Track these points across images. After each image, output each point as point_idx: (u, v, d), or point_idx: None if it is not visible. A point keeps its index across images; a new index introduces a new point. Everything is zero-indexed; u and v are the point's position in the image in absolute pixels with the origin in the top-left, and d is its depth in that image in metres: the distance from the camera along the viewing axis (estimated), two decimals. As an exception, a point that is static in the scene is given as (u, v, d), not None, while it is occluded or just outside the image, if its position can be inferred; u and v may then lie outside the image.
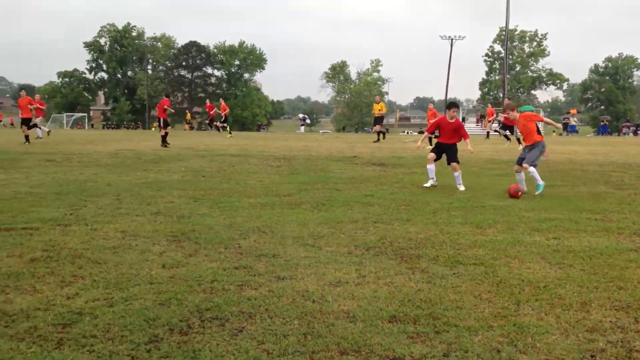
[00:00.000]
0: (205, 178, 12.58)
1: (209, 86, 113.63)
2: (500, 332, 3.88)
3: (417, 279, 5.10)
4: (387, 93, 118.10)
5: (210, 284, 4.89)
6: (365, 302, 4.46)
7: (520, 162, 10.66)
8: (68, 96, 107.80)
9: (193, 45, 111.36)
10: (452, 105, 11.88)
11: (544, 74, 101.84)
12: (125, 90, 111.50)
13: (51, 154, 18.42)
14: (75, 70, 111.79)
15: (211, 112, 40.15)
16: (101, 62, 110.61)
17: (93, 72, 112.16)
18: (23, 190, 10.20)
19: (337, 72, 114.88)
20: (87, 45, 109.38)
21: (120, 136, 36.05)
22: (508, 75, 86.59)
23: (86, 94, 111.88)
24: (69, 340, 3.67)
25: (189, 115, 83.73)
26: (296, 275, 5.20)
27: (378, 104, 30.10)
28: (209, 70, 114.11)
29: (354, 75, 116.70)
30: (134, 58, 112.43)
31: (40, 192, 10.00)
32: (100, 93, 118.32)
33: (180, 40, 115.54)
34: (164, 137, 23.52)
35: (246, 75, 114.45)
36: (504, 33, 79.80)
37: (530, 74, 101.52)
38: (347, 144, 28.41)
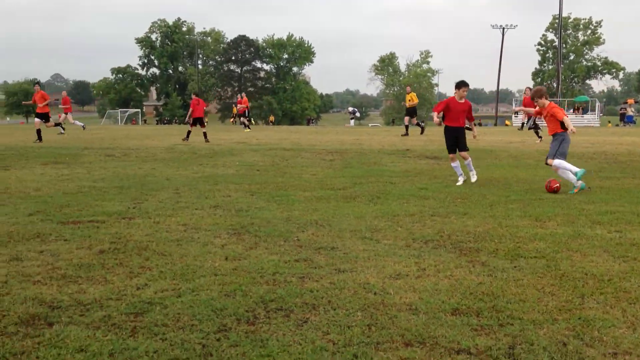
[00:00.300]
0: (259, 172, 12.75)
1: (259, 80, 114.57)
2: (566, 326, 3.86)
3: (478, 272, 5.10)
4: (437, 85, 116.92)
5: (272, 276, 4.99)
6: (426, 295, 4.49)
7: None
8: (122, 92, 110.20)
9: (242, 40, 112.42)
10: (462, 84, 10.89)
11: (599, 63, 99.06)
12: (177, 86, 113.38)
13: (110, 149, 18.93)
14: (128, 66, 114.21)
15: (244, 106, 39.54)
16: (153, 57, 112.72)
17: (145, 68, 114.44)
18: (86, 184, 10.54)
19: (386, 64, 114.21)
20: (139, 41, 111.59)
21: (174, 131, 36.71)
22: (562, 65, 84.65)
23: (139, 90, 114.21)
24: (142, 328, 3.81)
25: (235, 110, 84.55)
26: (356, 267, 5.26)
27: (409, 94, 28.74)
28: (258, 64, 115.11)
29: (403, 67, 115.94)
30: (185, 53, 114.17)
31: (102, 186, 10.32)
32: (153, 88, 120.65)
33: (230, 35, 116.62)
34: (189, 133, 23.74)
35: (295, 69, 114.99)
36: (557, 21, 78.06)
37: (584, 63, 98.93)
38: (398, 137, 28.30)
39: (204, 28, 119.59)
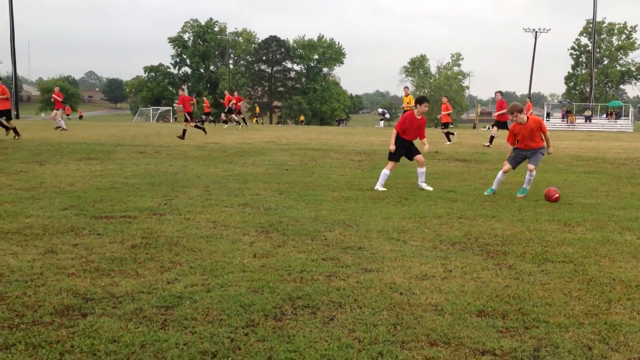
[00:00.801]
0: (288, 171, 12.85)
1: (289, 80, 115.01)
2: (592, 330, 3.86)
3: (505, 275, 5.11)
4: (467, 87, 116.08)
5: (299, 273, 5.06)
6: (452, 296, 4.52)
7: (514, 162, 9.92)
8: (154, 90, 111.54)
9: (273, 40, 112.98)
10: (425, 99, 10.50)
11: (633, 68, 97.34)
12: (208, 85, 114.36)
13: (142, 146, 19.21)
14: (161, 64, 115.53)
15: (237, 105, 39.14)
16: (185, 57, 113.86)
17: (177, 67, 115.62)
18: (119, 180, 10.74)
19: (417, 66, 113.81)
20: (172, 40, 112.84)
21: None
22: (595, 69, 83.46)
23: (171, 88, 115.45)
24: (172, 321, 3.91)
25: (257, 109, 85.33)
26: (382, 267, 5.30)
27: (407, 96, 26.88)
28: (289, 64, 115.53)
29: (433, 70, 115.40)
30: (216, 53, 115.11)
31: (134, 182, 10.51)
32: (184, 87, 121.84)
33: (261, 35, 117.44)
34: (185, 131, 24.00)
35: (325, 70, 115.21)
36: (591, 25, 76.97)
37: (618, 67, 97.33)
38: (428, 139, 28.22)
39: (236, 28, 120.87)
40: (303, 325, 3.89)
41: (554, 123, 65.00)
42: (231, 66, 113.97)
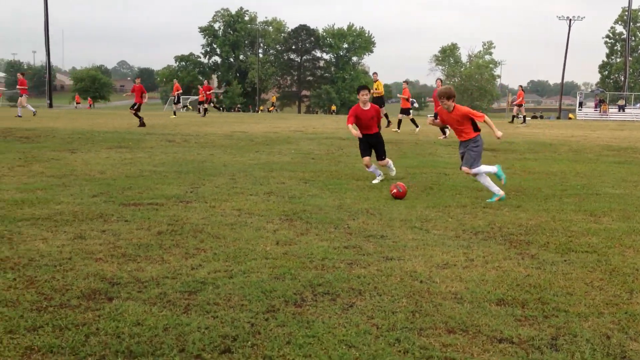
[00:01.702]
0: (314, 160, 12.90)
1: (318, 69, 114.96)
2: (611, 319, 3.85)
3: (527, 265, 5.10)
4: (499, 76, 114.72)
5: (321, 261, 5.12)
6: (472, 285, 4.53)
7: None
8: (184, 79, 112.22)
9: (303, 29, 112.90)
10: (360, 87, 9.81)
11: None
12: (237, 74, 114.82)
13: (171, 134, 19.42)
14: (191, 54, 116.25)
15: (207, 94, 39.32)
16: (215, 46, 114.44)
17: (207, 56, 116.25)
18: (147, 168, 10.90)
19: (447, 55, 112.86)
20: (202, 30, 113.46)
21: (233, 119, 37.30)
22: (630, 58, 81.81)
23: (200, 78, 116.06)
24: (195, 306, 4.00)
25: (274, 98, 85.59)
26: (404, 256, 5.33)
27: (375, 82, 25.81)
28: (318, 53, 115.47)
29: (464, 58, 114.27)
30: (246, 42, 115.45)
31: (162, 170, 10.66)
32: (214, 76, 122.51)
33: (291, 24, 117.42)
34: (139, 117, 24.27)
35: (354, 59, 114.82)
36: (626, 13, 75.39)
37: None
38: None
39: (266, 17, 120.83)
40: (322, 312, 3.95)
41: (587, 112, 63.90)
42: (260, 55, 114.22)
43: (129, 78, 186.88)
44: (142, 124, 23.42)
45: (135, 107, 24.50)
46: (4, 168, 10.45)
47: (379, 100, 25.95)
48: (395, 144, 17.30)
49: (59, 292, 4.20)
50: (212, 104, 38.50)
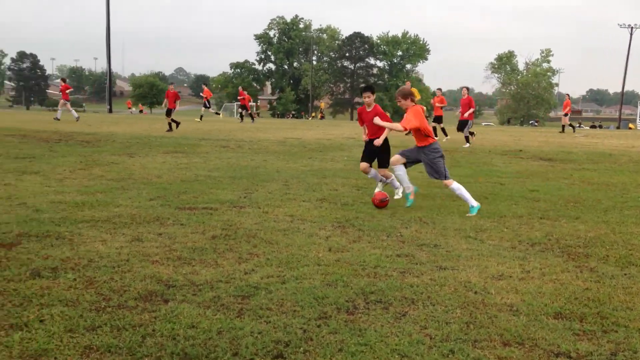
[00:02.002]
0: (367, 167, 12.86)
1: (371, 77, 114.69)
2: (675, 338, 3.71)
3: (585, 278, 4.97)
4: (556, 85, 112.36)
5: (373, 269, 5.10)
6: (529, 297, 4.44)
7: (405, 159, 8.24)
8: (238, 86, 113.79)
9: (357, 37, 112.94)
10: (363, 89, 9.06)
11: None
12: (291, 81, 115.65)
13: (225, 140, 19.70)
14: (246, 61, 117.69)
15: (241, 99, 39.08)
16: (269, 53, 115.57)
17: (262, 63, 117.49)
18: (202, 173, 11.08)
19: (504, 63, 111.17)
20: (258, 37, 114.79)
21: (286, 125, 37.56)
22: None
23: (255, 84, 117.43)
24: (248, 310, 4.04)
25: (322, 105, 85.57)
26: (458, 266, 5.27)
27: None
28: (372, 61, 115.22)
29: (521, 66, 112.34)
30: (300, 49, 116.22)
31: (217, 175, 10.82)
32: (268, 83, 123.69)
33: (345, 32, 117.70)
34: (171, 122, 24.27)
35: (408, 66, 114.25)
36: (693, 19, 72.81)
37: None
38: (512, 137, 27.55)
39: (321, 25, 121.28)
40: (375, 320, 3.93)
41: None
42: (314, 62, 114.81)
43: (185, 85, 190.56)
44: (170, 129, 23.76)
45: (170, 112, 24.79)
46: (66, 171, 10.78)
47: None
48: (449, 153, 17.12)
49: (117, 293, 4.30)
50: (246, 112, 38.68)
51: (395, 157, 8.31)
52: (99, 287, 4.42)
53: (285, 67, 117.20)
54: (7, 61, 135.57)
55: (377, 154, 9.04)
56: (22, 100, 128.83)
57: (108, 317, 3.83)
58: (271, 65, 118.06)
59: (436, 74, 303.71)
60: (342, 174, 11.62)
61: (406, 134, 10.11)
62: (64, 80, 31.48)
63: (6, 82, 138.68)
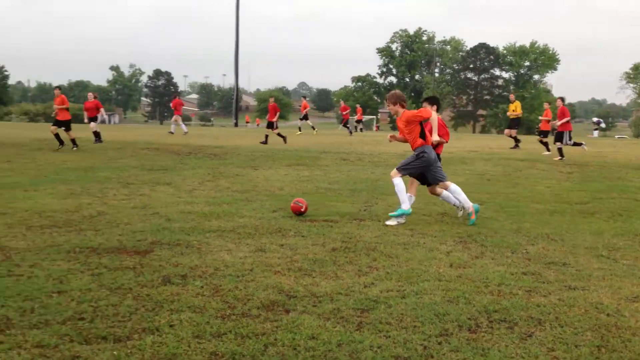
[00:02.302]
0: (489, 182, 12.53)
1: (495, 88, 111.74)
2: None
3: None
4: None
5: (497, 286, 4.94)
6: (668, 322, 4.13)
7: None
8: (359, 99, 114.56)
9: (482, 47, 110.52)
10: (427, 100, 8.70)
11: None
12: (412, 94, 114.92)
13: (345, 153, 19.89)
14: (368, 74, 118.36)
15: (344, 114, 38.83)
16: (391, 66, 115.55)
17: (383, 77, 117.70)
18: (323, 186, 11.24)
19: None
20: (380, 50, 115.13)
21: (407, 138, 37.29)
22: None
23: (375, 97, 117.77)
24: (368, 324, 4.03)
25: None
26: (588, 286, 4.99)
27: (513, 103, 24.68)
28: (497, 72, 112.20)
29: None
30: (422, 62, 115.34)
31: (337, 188, 10.93)
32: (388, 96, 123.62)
33: (469, 43, 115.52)
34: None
35: (536, 77, 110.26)
36: None
37: None
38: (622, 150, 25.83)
39: (444, 37, 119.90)
40: (498, 339, 3.80)
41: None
42: (436, 74, 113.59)
43: (307, 98, 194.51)
44: (265, 142, 24.13)
45: (271, 125, 25.21)
46: (195, 182, 11.31)
47: (515, 122, 24.78)
48: (579, 167, 16.32)
49: (241, 302, 4.44)
50: (345, 125, 38.98)
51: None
52: (225, 295, 4.58)
53: (407, 79, 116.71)
54: (144, 79, 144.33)
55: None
56: (156, 115, 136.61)
57: (233, 325, 3.95)
58: (392, 79, 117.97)
59: (566, 84, 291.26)
60: (464, 188, 11.25)
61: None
62: (177, 95, 33.23)
63: (142, 98, 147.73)
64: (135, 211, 8.10)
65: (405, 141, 8.11)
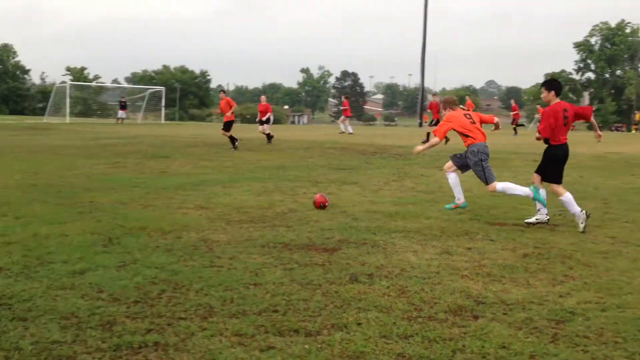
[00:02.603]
0: None
1: None
2: None
3: None
4: None
5: None
6: None
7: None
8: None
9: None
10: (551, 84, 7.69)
11: None
12: (612, 91, 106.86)
13: (536, 154, 18.94)
14: (562, 71, 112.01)
15: (513, 114, 34.80)
16: (589, 62, 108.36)
17: (580, 73, 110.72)
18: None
19: None
20: (577, 45, 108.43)
21: (607, 138, 34.71)
22: None
23: (571, 95, 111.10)
24: (563, 337, 3.80)
25: (638, 116, 75.58)
26: None
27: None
28: None
29: None
30: (625, 56, 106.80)
31: (528, 191, 10.43)
32: (585, 94, 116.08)
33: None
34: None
35: None
36: None
37: None
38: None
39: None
40: None
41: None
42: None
43: (495, 97, 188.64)
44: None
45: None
46: (380, 182, 11.42)
47: None
48: None
49: (427, 304, 4.40)
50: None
51: (447, 164, 8.44)
52: (411, 297, 4.57)
53: (607, 75, 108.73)
54: (332, 80, 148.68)
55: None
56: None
57: (419, 328, 3.93)
58: (590, 75, 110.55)
59: None
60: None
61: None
62: (347, 97, 33.43)
63: (330, 99, 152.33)
64: (324, 209, 8.35)
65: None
